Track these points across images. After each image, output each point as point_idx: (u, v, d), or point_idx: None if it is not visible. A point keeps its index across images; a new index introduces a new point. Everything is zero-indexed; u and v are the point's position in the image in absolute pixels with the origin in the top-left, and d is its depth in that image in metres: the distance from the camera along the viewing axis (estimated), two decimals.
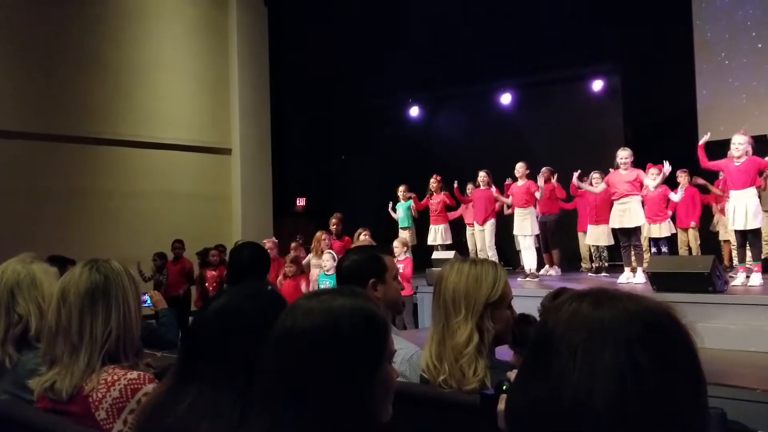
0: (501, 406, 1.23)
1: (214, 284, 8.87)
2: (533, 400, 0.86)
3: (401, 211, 10.38)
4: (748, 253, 7.25)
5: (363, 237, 8.50)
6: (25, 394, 1.95)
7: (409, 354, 2.32)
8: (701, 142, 7.42)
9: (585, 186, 8.96)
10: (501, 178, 9.80)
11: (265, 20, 13.33)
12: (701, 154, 7.37)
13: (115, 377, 1.76)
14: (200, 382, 1.40)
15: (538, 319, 2.62)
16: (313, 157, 13.69)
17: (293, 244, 9.05)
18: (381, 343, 1.18)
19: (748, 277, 7.16)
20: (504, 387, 1.28)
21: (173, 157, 12.12)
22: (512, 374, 1.25)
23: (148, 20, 11.93)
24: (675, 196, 8.46)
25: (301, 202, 14.23)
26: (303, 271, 8.12)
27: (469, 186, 10.14)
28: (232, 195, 12.95)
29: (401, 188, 10.43)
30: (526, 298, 5.78)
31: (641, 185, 8.17)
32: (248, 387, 1.33)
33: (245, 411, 1.34)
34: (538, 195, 9.04)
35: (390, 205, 10.57)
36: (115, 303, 1.83)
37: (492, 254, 9.26)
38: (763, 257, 7.74)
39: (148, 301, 3.19)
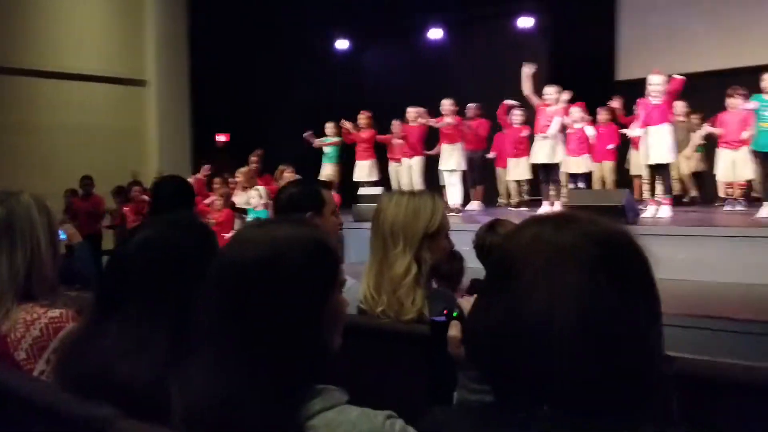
0: (452, 332, 1.23)
1: (134, 221, 8.60)
2: (495, 322, 0.86)
3: (329, 147, 10.28)
4: (659, 187, 7.60)
5: (287, 174, 8.35)
6: None
7: (347, 286, 2.30)
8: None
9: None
10: (430, 114, 9.77)
11: None
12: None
13: (35, 315, 1.65)
14: (122, 320, 1.32)
15: (473, 249, 2.65)
16: (236, 91, 13.20)
17: (217, 180, 8.84)
18: (331, 272, 1.14)
19: (657, 209, 7.52)
20: (455, 314, 1.28)
21: (83, 89, 11.44)
22: (463, 302, 1.26)
23: None
24: (589, 130, 8.75)
25: (221, 138, 13.81)
26: (232, 206, 7.98)
27: (395, 122, 10.07)
28: (148, 129, 12.42)
29: (329, 125, 10.29)
30: (451, 233, 5.86)
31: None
32: (179, 323, 1.27)
33: (175, 349, 1.28)
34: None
35: (310, 133, 10.33)
36: (21, 238, 1.71)
37: None
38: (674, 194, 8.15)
39: (62, 235, 3.02)
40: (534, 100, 8.41)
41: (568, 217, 0.90)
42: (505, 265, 0.88)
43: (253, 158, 9.66)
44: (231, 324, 1.07)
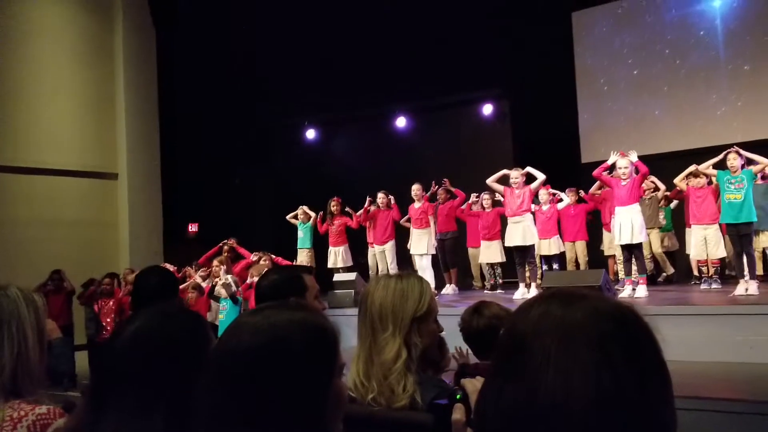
0: (456, 415, 1.20)
1: (112, 315, 8.41)
2: (506, 404, 0.84)
3: (302, 232, 10.31)
4: (634, 267, 7.68)
5: (263, 261, 8.30)
6: None
7: None
8: (609, 162, 7.74)
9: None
10: (399, 200, 9.92)
11: (153, 41, 12.92)
12: (601, 168, 7.74)
13: (22, 413, 1.59)
14: (119, 412, 1.28)
15: (456, 333, 2.63)
16: (206, 182, 13.31)
17: (188, 269, 8.75)
18: (332, 358, 1.12)
19: (634, 289, 7.58)
20: (458, 396, 1.25)
21: (55, 183, 11.43)
22: (467, 382, 1.23)
23: (27, 42, 11.27)
24: (560, 204, 9.31)
25: (193, 227, 13.77)
26: (204, 295, 7.86)
27: (372, 208, 10.17)
28: (119, 222, 12.35)
29: (301, 209, 10.39)
30: None
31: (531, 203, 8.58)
32: (175, 414, 1.25)
33: None
34: (431, 220, 9.36)
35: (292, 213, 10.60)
36: (8, 334, 1.65)
37: None
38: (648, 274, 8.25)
39: None
40: (496, 187, 8.56)
41: (575, 294, 0.90)
42: (514, 345, 0.86)
43: (225, 247, 9.62)
44: (232, 414, 1.04)
